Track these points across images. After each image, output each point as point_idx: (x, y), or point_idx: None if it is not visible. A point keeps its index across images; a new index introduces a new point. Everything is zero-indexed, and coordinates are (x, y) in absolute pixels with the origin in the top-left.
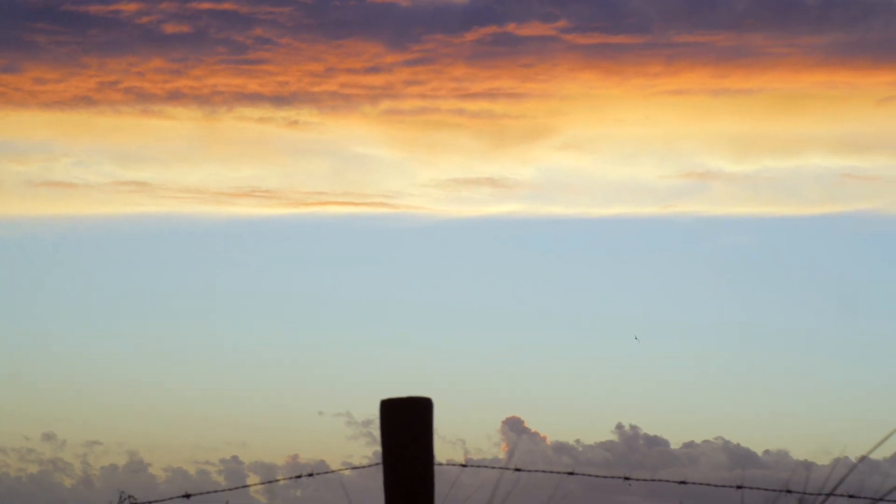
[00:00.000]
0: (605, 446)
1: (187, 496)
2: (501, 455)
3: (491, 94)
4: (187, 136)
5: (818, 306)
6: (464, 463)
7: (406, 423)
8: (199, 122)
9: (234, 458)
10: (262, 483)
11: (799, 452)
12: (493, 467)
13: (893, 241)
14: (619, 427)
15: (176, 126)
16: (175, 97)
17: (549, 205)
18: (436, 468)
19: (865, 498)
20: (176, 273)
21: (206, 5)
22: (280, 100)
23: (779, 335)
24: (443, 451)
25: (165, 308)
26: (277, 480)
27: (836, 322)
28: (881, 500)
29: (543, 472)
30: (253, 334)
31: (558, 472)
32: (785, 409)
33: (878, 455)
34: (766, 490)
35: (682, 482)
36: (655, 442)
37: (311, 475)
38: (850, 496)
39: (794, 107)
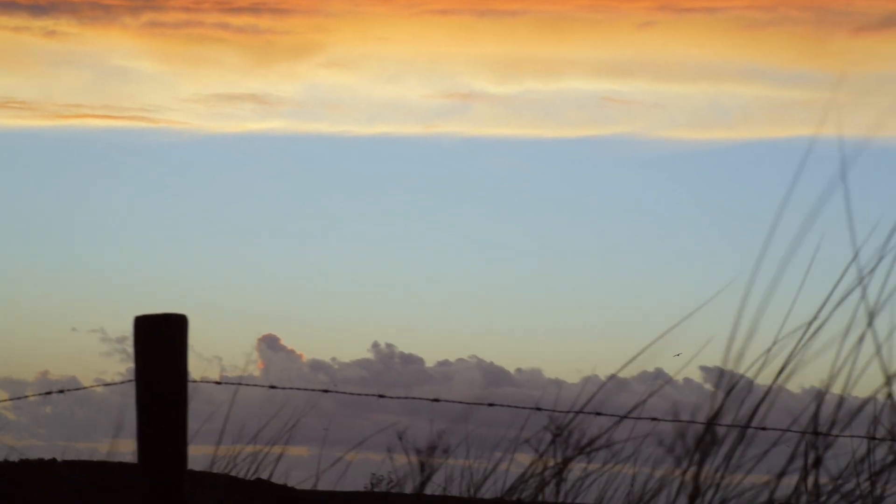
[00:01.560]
0: (361, 364)
1: None
2: (257, 373)
3: (255, 9)
4: None
5: (574, 227)
6: (218, 380)
7: (160, 339)
8: None
9: None
10: (11, 399)
11: (551, 371)
12: (248, 384)
13: (649, 163)
14: (375, 345)
15: None
16: None
17: (312, 122)
18: (190, 385)
19: (611, 415)
20: None
21: None
22: (37, 9)
23: (534, 255)
24: (199, 368)
25: None
26: (26, 397)
27: (588, 243)
28: (625, 416)
29: (298, 389)
30: (4, 249)
31: (313, 390)
32: (538, 328)
33: (626, 374)
34: (517, 407)
35: (436, 399)
36: (410, 360)
37: (61, 391)
38: (598, 413)
39: (558, 30)
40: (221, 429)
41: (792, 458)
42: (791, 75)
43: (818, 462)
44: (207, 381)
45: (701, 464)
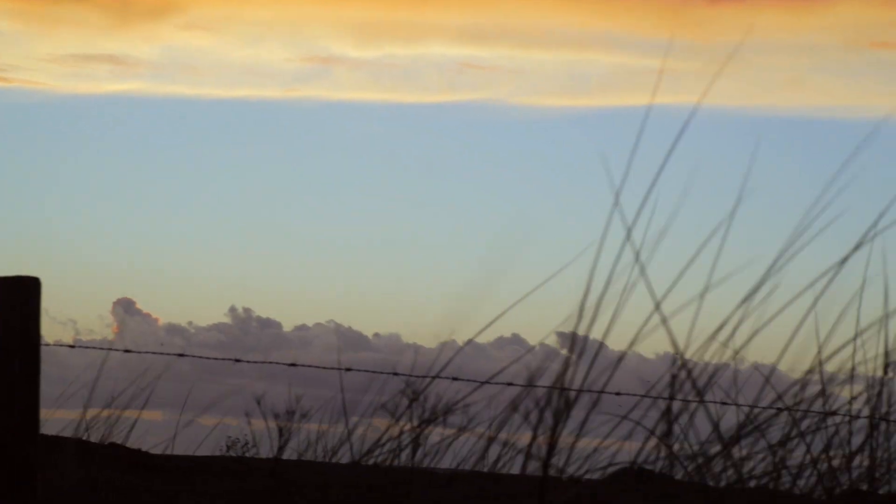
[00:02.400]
0: (219, 328)
1: None
2: (112, 336)
3: None
4: None
5: (433, 193)
6: (72, 344)
7: (12, 302)
8: None
9: None
10: None
11: (409, 336)
12: (102, 348)
13: (509, 129)
14: (233, 310)
15: None
16: None
17: (171, 84)
18: (43, 349)
19: (468, 381)
20: None
21: None
22: None
23: (393, 220)
24: (53, 331)
25: None
26: None
27: (447, 208)
28: (484, 382)
29: (153, 353)
30: None
31: (168, 354)
32: (397, 292)
33: (483, 339)
34: (374, 372)
35: (293, 364)
36: (268, 325)
37: None
38: (454, 378)
39: None
40: (75, 393)
41: (655, 424)
42: (650, 44)
43: (671, 427)
44: (61, 345)
45: (554, 428)
